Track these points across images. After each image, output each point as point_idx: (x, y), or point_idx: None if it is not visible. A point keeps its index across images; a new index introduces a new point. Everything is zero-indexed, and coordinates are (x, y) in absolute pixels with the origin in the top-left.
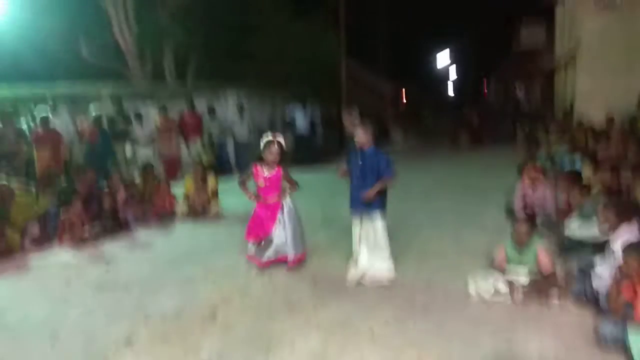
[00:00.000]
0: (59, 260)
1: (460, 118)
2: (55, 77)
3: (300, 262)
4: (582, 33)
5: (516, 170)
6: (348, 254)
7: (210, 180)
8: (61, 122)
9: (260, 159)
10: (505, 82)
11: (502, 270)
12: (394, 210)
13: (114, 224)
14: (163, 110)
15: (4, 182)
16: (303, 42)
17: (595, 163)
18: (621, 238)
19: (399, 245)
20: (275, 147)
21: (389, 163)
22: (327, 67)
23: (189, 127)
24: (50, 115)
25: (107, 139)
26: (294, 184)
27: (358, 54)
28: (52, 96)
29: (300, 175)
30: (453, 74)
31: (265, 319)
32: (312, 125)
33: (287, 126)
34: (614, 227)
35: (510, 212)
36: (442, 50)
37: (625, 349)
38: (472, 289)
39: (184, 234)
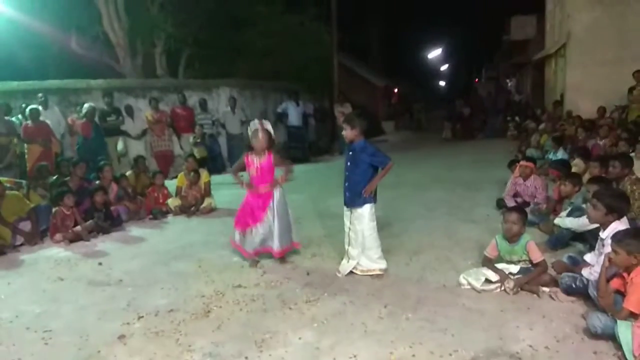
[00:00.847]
0: (50, 256)
1: (451, 111)
2: (45, 71)
3: (285, 253)
4: (573, 25)
5: (507, 165)
6: (341, 248)
7: (203, 174)
8: (52, 116)
9: (251, 148)
10: (497, 74)
11: (493, 260)
12: (386, 203)
13: (106, 219)
14: (154, 103)
15: None
16: (295, 36)
17: (586, 153)
18: (610, 227)
19: (390, 239)
20: (261, 133)
21: (376, 153)
22: (320, 61)
23: (180, 121)
24: (41, 109)
25: (99, 133)
26: (288, 168)
27: (350, 49)
28: (42, 90)
29: (294, 168)
30: (445, 68)
31: (258, 313)
32: (305, 118)
33: (279, 119)
34: (603, 217)
35: (500, 203)
36: (434, 44)
37: (614, 338)
38: (462, 279)
39: (177, 229)
